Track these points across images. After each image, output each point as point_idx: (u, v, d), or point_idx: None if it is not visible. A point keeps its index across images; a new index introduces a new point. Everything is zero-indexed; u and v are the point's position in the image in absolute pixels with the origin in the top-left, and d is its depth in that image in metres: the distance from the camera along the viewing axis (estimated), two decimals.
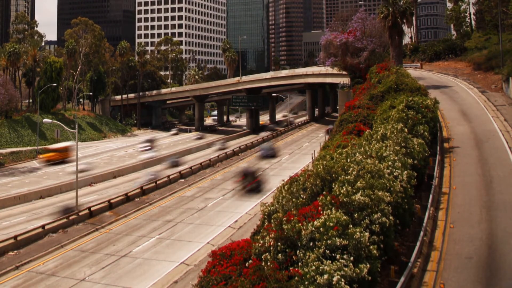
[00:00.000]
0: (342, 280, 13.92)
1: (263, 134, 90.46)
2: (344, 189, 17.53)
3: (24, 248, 34.13)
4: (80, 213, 40.57)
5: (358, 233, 15.26)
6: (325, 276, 13.94)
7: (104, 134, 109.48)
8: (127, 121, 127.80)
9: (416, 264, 19.14)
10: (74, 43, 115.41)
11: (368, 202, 17.16)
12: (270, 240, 15.87)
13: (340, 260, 14.56)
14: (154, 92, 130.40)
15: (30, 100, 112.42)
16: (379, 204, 17.38)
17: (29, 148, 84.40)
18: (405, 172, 21.23)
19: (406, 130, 27.20)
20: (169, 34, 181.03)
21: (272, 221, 17.08)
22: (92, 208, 41.51)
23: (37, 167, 70.96)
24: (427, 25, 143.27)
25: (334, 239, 15.08)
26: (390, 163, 21.33)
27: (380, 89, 43.66)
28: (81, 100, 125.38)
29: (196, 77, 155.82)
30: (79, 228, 38.39)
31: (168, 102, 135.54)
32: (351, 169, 19.60)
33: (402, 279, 17.08)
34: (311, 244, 15.29)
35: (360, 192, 17.50)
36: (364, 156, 21.16)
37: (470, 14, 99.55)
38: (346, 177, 18.41)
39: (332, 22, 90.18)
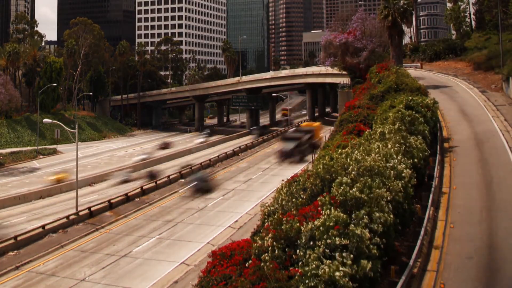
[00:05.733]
0: (344, 277, 13.94)
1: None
2: (342, 189, 17.52)
3: (24, 248, 34.12)
4: (80, 213, 40.58)
5: (359, 230, 15.27)
6: (326, 270, 13.96)
7: (104, 134, 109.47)
8: (127, 121, 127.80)
9: (416, 264, 19.11)
10: (74, 43, 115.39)
11: (364, 198, 17.15)
12: (269, 240, 15.86)
13: (340, 259, 14.56)
14: (154, 92, 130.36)
15: (30, 100, 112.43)
16: (379, 203, 17.36)
17: (29, 148, 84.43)
18: (406, 171, 21.20)
19: (403, 128, 27.20)
20: (169, 34, 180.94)
21: (270, 221, 17.09)
22: (92, 208, 41.51)
23: (37, 167, 70.95)
24: (427, 25, 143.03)
25: (334, 238, 15.07)
26: (392, 161, 21.31)
27: (380, 89, 43.68)
28: (81, 100, 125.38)
29: (196, 77, 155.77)
30: (79, 228, 38.39)
31: (168, 102, 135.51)
32: (350, 167, 19.57)
33: (402, 279, 17.06)
34: (311, 243, 15.29)
35: (356, 187, 17.53)
36: (364, 154, 21.13)
37: (470, 14, 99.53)
38: (344, 179, 18.37)
39: (332, 22, 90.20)
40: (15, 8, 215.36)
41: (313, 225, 15.67)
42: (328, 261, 14.45)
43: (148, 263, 30.76)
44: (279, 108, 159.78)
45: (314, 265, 14.31)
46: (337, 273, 13.89)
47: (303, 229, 15.68)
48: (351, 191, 17.28)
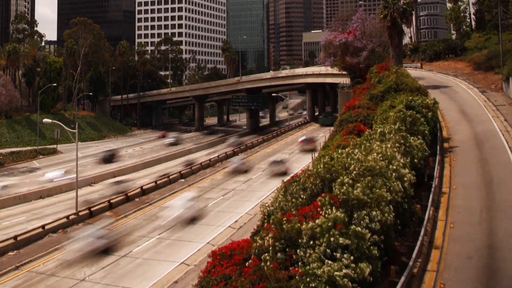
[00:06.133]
0: (344, 278, 13.93)
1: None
2: (344, 189, 17.50)
3: (24, 248, 34.11)
4: (80, 213, 40.59)
5: (359, 229, 15.26)
6: (326, 270, 13.95)
7: (104, 134, 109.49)
8: (127, 121, 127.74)
9: (416, 264, 19.11)
10: (74, 43, 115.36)
11: (366, 199, 17.15)
12: (269, 240, 15.86)
13: (341, 260, 14.55)
14: (154, 92, 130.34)
15: (30, 100, 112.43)
16: (380, 203, 17.35)
17: (29, 148, 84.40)
18: (406, 171, 21.19)
19: (404, 129, 27.20)
20: (169, 34, 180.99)
21: (271, 221, 17.08)
22: (92, 208, 41.53)
23: (37, 167, 70.94)
24: (427, 25, 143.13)
25: (336, 237, 15.05)
26: (393, 161, 21.30)
27: (380, 89, 43.65)
28: (81, 100, 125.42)
29: (196, 77, 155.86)
30: (79, 228, 38.36)
31: (168, 102, 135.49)
32: (351, 167, 19.53)
33: (402, 279, 17.05)
34: (311, 242, 15.29)
35: (359, 188, 17.51)
36: (364, 154, 21.11)
37: (470, 14, 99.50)
38: (345, 178, 18.35)
39: (332, 22, 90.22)
40: (15, 8, 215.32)
41: (313, 224, 15.65)
42: (329, 261, 14.44)
43: (148, 263, 30.76)
44: (279, 108, 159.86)
45: (314, 265, 14.30)
46: (336, 273, 13.87)
47: (303, 227, 15.66)
48: (354, 192, 17.25)
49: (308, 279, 13.99)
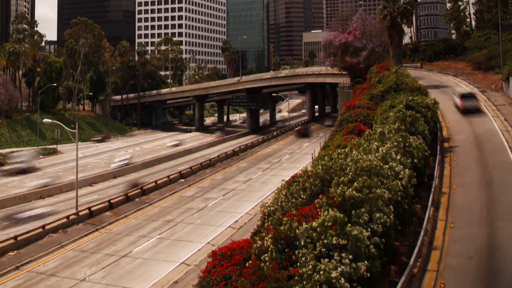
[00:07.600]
0: (341, 278, 13.88)
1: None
2: (339, 189, 17.47)
3: (24, 248, 34.16)
4: (80, 213, 40.61)
5: (355, 231, 15.20)
6: (322, 272, 13.91)
7: (104, 134, 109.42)
8: (127, 121, 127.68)
9: (417, 264, 19.09)
10: (74, 43, 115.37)
11: (362, 197, 17.12)
12: (269, 240, 15.85)
13: (338, 258, 14.53)
14: (154, 92, 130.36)
15: (30, 100, 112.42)
16: (377, 203, 17.32)
17: (29, 148, 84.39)
18: (404, 172, 21.17)
19: (404, 128, 27.19)
20: (169, 34, 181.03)
21: (269, 221, 17.08)
22: (92, 208, 41.56)
23: (37, 167, 70.88)
24: (427, 25, 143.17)
25: (331, 238, 15.03)
26: (390, 160, 21.28)
27: (380, 89, 43.64)
28: (81, 100, 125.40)
29: (196, 77, 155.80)
30: (79, 228, 38.42)
31: (168, 102, 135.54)
32: (348, 168, 19.52)
33: (403, 279, 17.03)
34: (308, 243, 15.28)
35: (354, 185, 17.48)
36: (362, 154, 21.08)
37: (470, 14, 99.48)
38: (341, 179, 18.32)
39: (332, 22, 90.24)
40: (15, 8, 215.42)
41: (308, 226, 15.62)
42: (325, 260, 14.40)
43: (148, 263, 30.77)
44: (279, 108, 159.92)
45: (311, 265, 14.27)
46: (333, 274, 13.82)
47: (298, 231, 15.64)
48: (348, 191, 17.23)
49: (305, 282, 13.97)
